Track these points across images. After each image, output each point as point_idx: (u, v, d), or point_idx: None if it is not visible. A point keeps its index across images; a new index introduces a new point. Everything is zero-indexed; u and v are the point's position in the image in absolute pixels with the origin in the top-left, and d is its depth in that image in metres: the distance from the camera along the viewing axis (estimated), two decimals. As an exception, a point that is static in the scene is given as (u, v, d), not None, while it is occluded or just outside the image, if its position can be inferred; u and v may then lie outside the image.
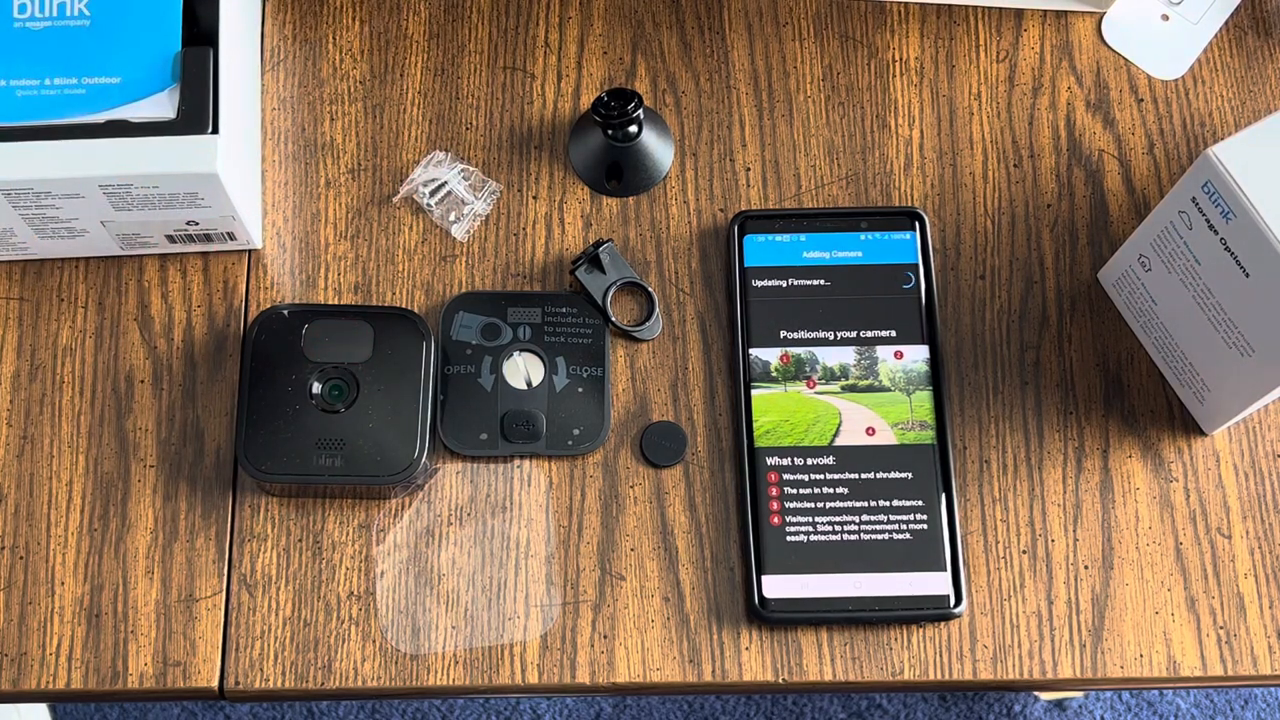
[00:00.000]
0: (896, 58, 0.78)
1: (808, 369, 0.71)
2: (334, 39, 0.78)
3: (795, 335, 0.72)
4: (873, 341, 0.72)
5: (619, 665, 0.67)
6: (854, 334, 0.72)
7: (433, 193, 0.74)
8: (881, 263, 0.73)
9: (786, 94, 0.77)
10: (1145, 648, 0.68)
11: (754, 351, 0.71)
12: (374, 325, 0.69)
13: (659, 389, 0.72)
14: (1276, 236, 0.59)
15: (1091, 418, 0.71)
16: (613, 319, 0.72)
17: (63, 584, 0.68)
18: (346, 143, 0.76)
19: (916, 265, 0.73)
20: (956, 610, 0.67)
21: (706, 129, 0.76)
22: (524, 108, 0.77)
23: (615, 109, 0.72)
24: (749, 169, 0.76)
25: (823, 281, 0.73)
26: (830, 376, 0.71)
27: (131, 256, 0.73)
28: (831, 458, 0.69)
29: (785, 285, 0.73)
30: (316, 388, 0.68)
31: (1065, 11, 0.79)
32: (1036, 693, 1.38)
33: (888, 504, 0.69)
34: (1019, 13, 0.79)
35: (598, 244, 0.72)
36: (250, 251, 0.74)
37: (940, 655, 0.67)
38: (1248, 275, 0.62)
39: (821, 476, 0.69)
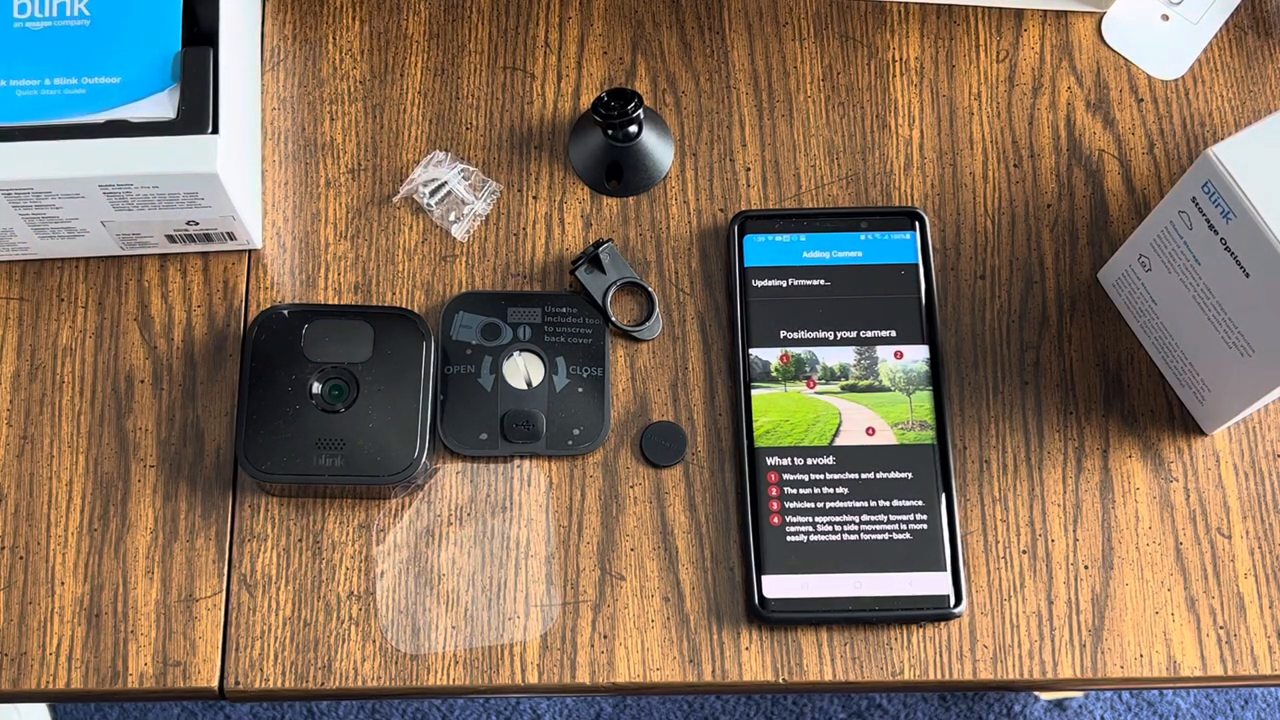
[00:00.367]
0: (896, 58, 0.78)
1: (808, 369, 0.71)
2: (334, 39, 0.78)
3: (795, 335, 0.72)
4: (873, 341, 0.72)
5: (619, 665, 0.67)
6: (854, 334, 0.72)
7: (433, 193, 0.74)
8: (881, 263, 0.73)
9: (786, 94, 0.77)
10: (1145, 648, 0.68)
11: (754, 351, 0.71)
12: (374, 325, 0.69)
13: (659, 389, 0.72)
14: (1276, 236, 0.59)
15: (1091, 418, 0.71)
16: (613, 319, 0.72)
17: (63, 584, 0.68)
18: (346, 143, 0.76)
19: (916, 265, 0.73)
20: (956, 610, 0.67)
21: (706, 129, 0.76)
22: (524, 108, 0.77)
23: (615, 109, 0.72)
24: (749, 169, 0.76)
25: (823, 281, 0.73)
26: (830, 376, 0.71)
27: (131, 256, 0.73)
28: (831, 458, 0.69)
29: (785, 285, 0.73)
30: (316, 388, 0.68)
31: (1065, 11, 0.79)
32: (1036, 693, 1.38)
33: (888, 504, 0.69)
34: (1019, 13, 0.79)
35: (598, 244, 0.72)
36: (250, 251, 0.74)
37: (940, 655, 0.67)
38: (1248, 275, 0.62)
39: (821, 476, 0.69)
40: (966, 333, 0.73)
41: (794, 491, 0.69)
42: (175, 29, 0.68)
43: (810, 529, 0.68)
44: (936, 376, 0.71)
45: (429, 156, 0.75)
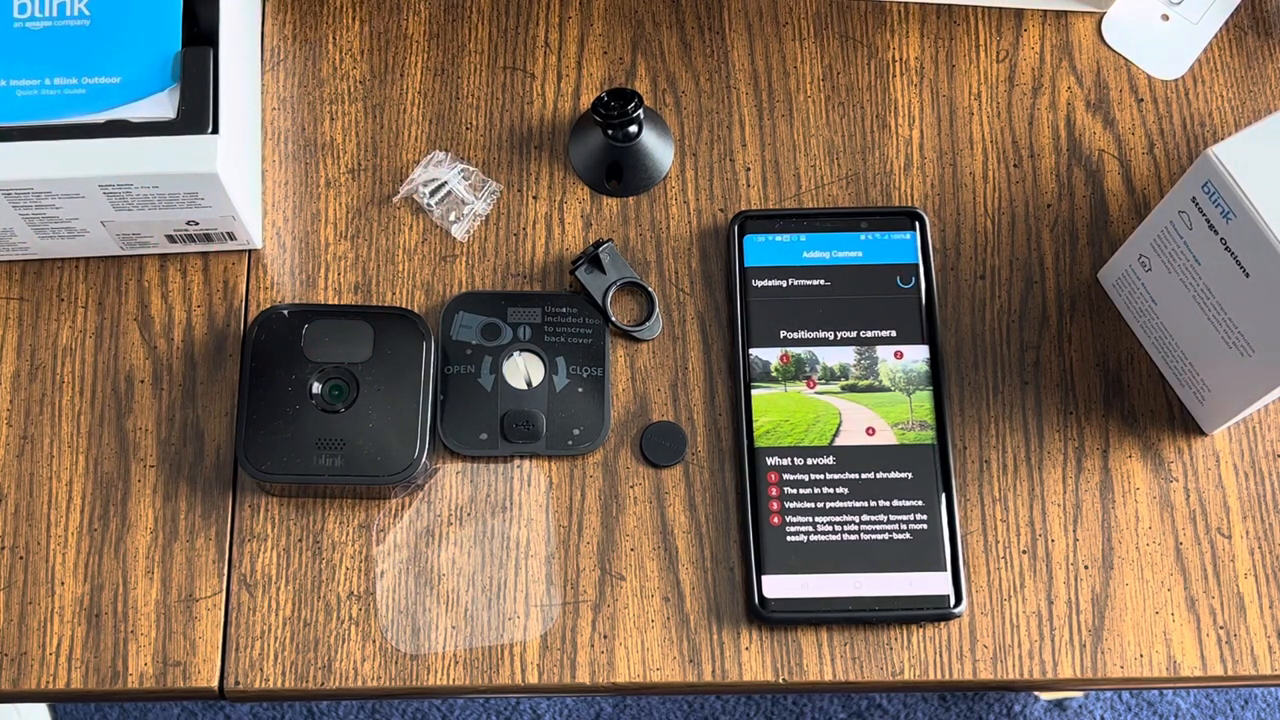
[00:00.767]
0: (896, 58, 0.78)
1: (808, 369, 0.71)
2: (334, 39, 0.78)
3: (795, 335, 0.72)
4: (873, 341, 0.72)
5: (619, 665, 0.67)
6: (854, 334, 0.72)
7: (433, 193, 0.74)
8: (881, 263, 0.73)
9: (786, 94, 0.77)
10: (1145, 648, 0.68)
11: (754, 351, 0.71)
12: (374, 325, 0.69)
13: (659, 389, 0.72)
14: (1276, 236, 0.59)
15: (1091, 418, 0.71)
16: (613, 319, 0.72)
17: (63, 584, 0.68)
18: (346, 143, 0.76)
19: (916, 265, 0.73)
20: (956, 610, 0.67)
21: (706, 129, 0.76)
22: (524, 108, 0.77)
23: (615, 109, 0.72)
24: (749, 169, 0.76)
25: (823, 281, 0.73)
26: (830, 376, 0.71)
27: (131, 256, 0.73)
28: (831, 458, 0.69)
29: (785, 285, 0.73)
30: (316, 388, 0.68)
31: (1065, 11, 0.79)
32: (1036, 693, 1.38)
33: (888, 504, 0.69)
34: (1019, 13, 0.79)
35: (598, 244, 0.72)
36: (250, 251, 0.74)
37: (940, 655, 0.67)
38: (1248, 275, 0.62)
39: (821, 476, 0.69)
40: (966, 333, 0.73)
41: (794, 491, 0.69)
42: (175, 29, 0.68)
43: (810, 529, 0.68)
44: (936, 376, 0.71)
45: (429, 156, 0.75)
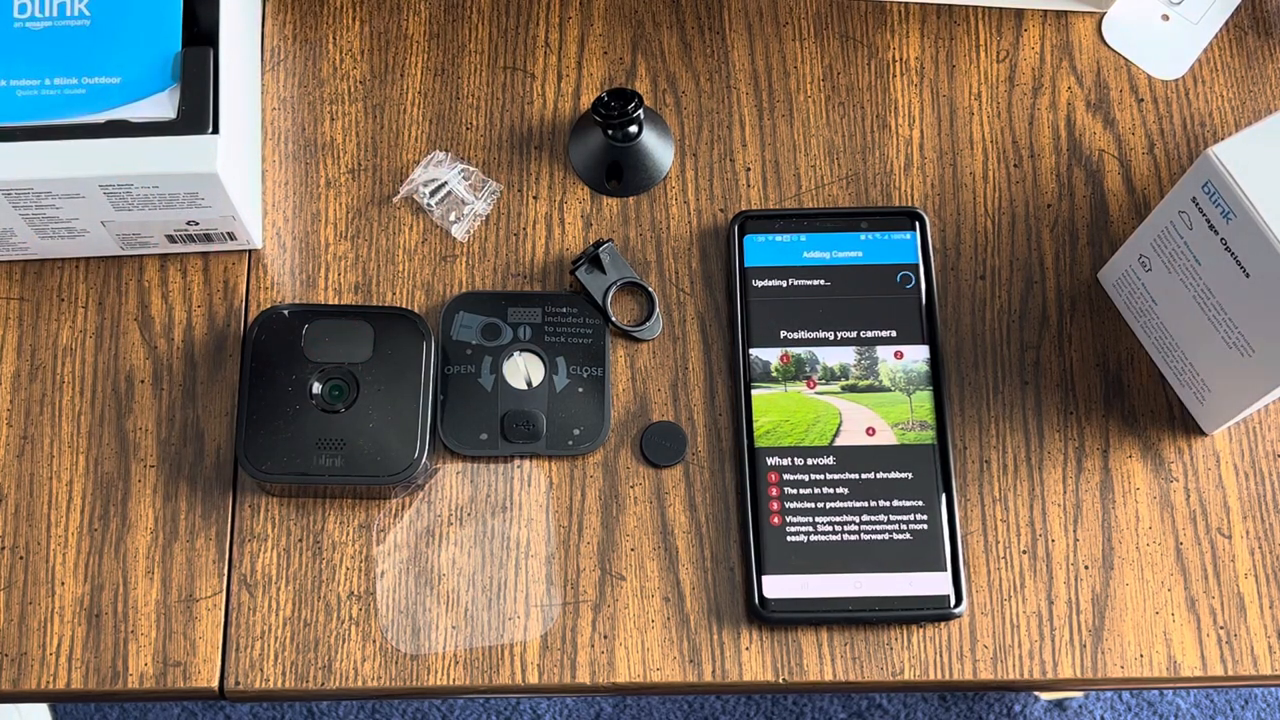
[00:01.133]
0: (896, 58, 0.78)
1: (808, 369, 0.71)
2: (334, 39, 0.78)
3: (795, 335, 0.72)
4: (873, 341, 0.72)
5: (619, 665, 0.67)
6: (854, 334, 0.72)
7: (433, 193, 0.74)
8: (881, 263, 0.73)
9: (786, 94, 0.77)
10: (1145, 648, 0.68)
11: (754, 351, 0.71)
12: (374, 325, 0.69)
13: (659, 389, 0.72)
14: (1276, 236, 0.59)
15: (1091, 418, 0.71)
16: (613, 319, 0.72)
17: (63, 584, 0.68)
18: (346, 143, 0.76)
19: (916, 265, 0.73)
20: (956, 610, 0.67)
21: (706, 129, 0.76)
22: (524, 108, 0.77)
23: (615, 109, 0.72)
24: (749, 169, 0.76)
25: (823, 281, 0.73)
26: (830, 376, 0.71)
27: (131, 256, 0.73)
28: (832, 458, 0.69)
29: (785, 285, 0.73)
30: (316, 388, 0.68)
31: (1065, 11, 0.79)
32: (1036, 693, 1.38)
33: (888, 504, 0.69)
34: (1019, 13, 0.79)
35: (598, 244, 0.72)
36: (250, 251, 0.74)
37: (940, 655, 0.67)
38: (1248, 275, 0.62)
39: (822, 476, 0.69)
40: (966, 333, 0.73)
41: (794, 491, 0.69)
42: (175, 29, 0.68)
43: (810, 529, 0.68)
44: (936, 376, 0.71)
45: (429, 156, 0.75)
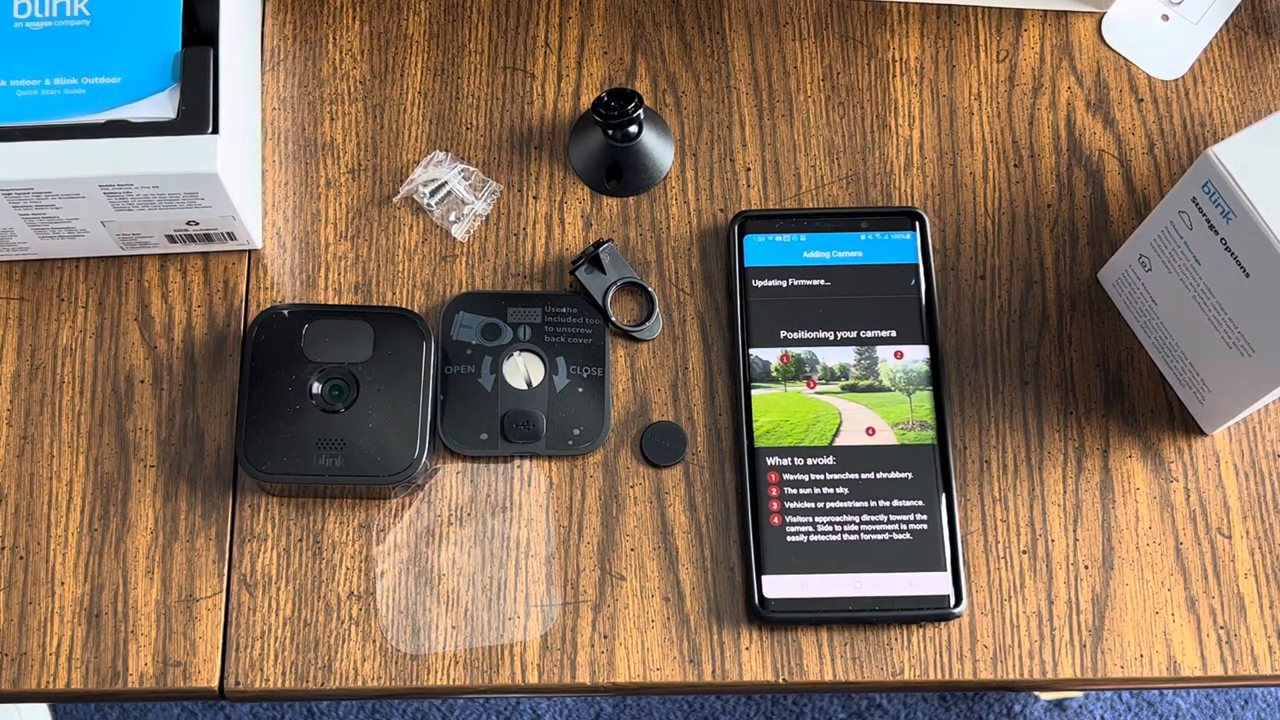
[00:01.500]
0: (896, 58, 0.78)
1: (808, 369, 0.71)
2: (334, 39, 0.78)
3: (795, 335, 0.72)
4: (873, 341, 0.72)
5: (619, 665, 0.67)
6: (854, 334, 0.72)
7: (433, 193, 0.74)
8: (881, 263, 0.73)
9: (786, 94, 0.77)
10: (1145, 648, 0.68)
11: (754, 351, 0.71)
12: (374, 325, 0.69)
13: (659, 389, 0.72)
14: (1276, 236, 0.59)
15: (1091, 418, 0.71)
16: (613, 319, 0.72)
17: (63, 584, 0.68)
18: (346, 143, 0.76)
19: (916, 265, 0.73)
20: (956, 610, 0.67)
21: (706, 129, 0.76)
22: (524, 108, 0.77)
23: (615, 109, 0.72)
24: (749, 169, 0.76)
25: (823, 281, 0.73)
26: (830, 376, 0.71)
27: (131, 256, 0.73)
28: (831, 458, 0.69)
29: (785, 285, 0.73)
30: (316, 388, 0.68)
31: (1065, 11, 0.79)
32: (1036, 693, 1.38)
33: (888, 504, 0.69)
34: (1019, 13, 0.79)
35: (598, 244, 0.72)
36: (250, 251, 0.74)
37: (940, 655, 0.67)
38: (1248, 275, 0.62)
39: (821, 476, 0.69)
40: (966, 333, 0.73)
41: (794, 491, 0.69)
42: (175, 29, 0.68)
43: (810, 529, 0.68)
44: (936, 376, 0.71)
45: (429, 156, 0.75)
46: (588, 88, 0.77)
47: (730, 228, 0.74)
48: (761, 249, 0.73)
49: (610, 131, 0.74)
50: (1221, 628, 0.68)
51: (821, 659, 0.67)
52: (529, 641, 0.67)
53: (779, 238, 0.73)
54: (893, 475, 0.69)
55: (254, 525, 0.69)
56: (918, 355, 0.71)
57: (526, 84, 0.77)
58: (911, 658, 0.67)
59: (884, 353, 0.71)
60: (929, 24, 0.79)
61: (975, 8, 0.79)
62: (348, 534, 0.69)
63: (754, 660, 0.67)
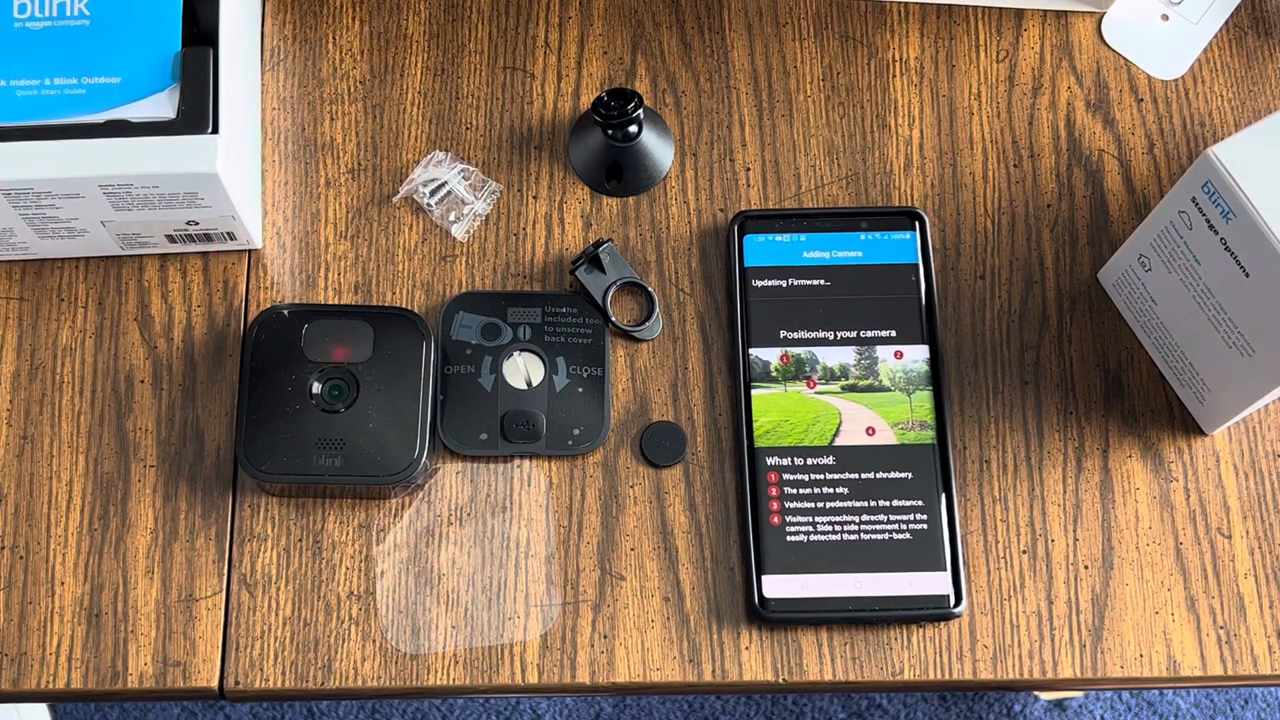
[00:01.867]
0: (896, 58, 0.78)
1: (808, 369, 0.71)
2: (334, 39, 0.78)
3: (795, 335, 0.72)
4: (873, 341, 0.72)
5: (619, 665, 0.67)
6: (854, 334, 0.72)
7: (433, 193, 0.74)
8: (881, 263, 0.73)
9: (786, 94, 0.77)
10: (1145, 648, 0.68)
11: (754, 351, 0.71)
12: (374, 325, 0.69)
13: (659, 389, 0.72)
14: (1276, 236, 0.59)
15: (1091, 418, 0.71)
16: (613, 319, 0.72)
17: (63, 584, 0.68)
18: (346, 143, 0.76)
19: (916, 265, 0.73)
20: (956, 610, 0.67)
21: (706, 129, 0.76)
22: (524, 108, 0.77)
23: (615, 109, 0.72)
24: (749, 169, 0.76)
25: (823, 281, 0.73)
26: (830, 376, 0.71)
27: (131, 256, 0.73)
28: (831, 458, 0.69)
29: (785, 285, 0.73)
30: (316, 388, 0.68)
31: (1065, 11, 0.79)
32: (1036, 693, 1.38)
33: (888, 504, 0.69)
34: (1019, 13, 0.79)
35: (598, 244, 0.72)
36: (250, 251, 0.74)
37: (940, 655, 0.67)
38: (1248, 275, 0.62)
39: (821, 476, 0.69)
40: (966, 333, 0.73)
41: (794, 491, 0.69)
42: (175, 29, 0.68)
43: (810, 529, 0.68)
44: (936, 376, 0.71)
45: (429, 156, 0.75)
46: (588, 88, 0.77)
47: (730, 228, 0.74)
48: (761, 249, 0.73)
49: (610, 131, 0.74)
50: (1221, 628, 0.68)
51: (821, 659, 0.67)
52: (529, 641, 0.67)
53: (779, 238, 0.73)
54: (892, 475, 0.69)
55: (254, 525, 0.69)
56: (918, 355, 0.71)
57: (526, 84, 0.77)
58: (911, 658, 0.67)
59: (884, 353, 0.71)
60: (929, 24, 0.79)
61: (975, 8, 0.79)
62: (348, 534, 0.69)
63: (754, 660, 0.67)
